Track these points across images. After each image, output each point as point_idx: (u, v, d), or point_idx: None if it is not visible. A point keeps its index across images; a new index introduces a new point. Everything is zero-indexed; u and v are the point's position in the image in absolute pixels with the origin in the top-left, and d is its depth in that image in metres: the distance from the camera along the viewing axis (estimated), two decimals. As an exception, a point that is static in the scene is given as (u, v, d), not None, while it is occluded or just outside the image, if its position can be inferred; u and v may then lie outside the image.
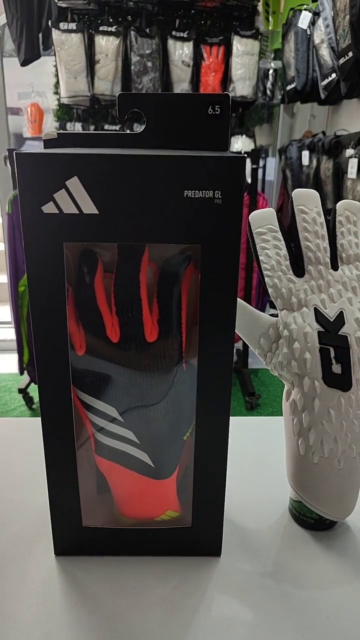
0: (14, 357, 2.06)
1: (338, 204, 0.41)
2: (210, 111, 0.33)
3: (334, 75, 1.82)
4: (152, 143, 0.34)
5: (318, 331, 0.37)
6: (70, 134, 0.34)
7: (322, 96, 1.97)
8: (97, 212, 0.29)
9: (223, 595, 0.36)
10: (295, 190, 0.40)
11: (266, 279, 0.39)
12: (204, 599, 0.35)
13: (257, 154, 2.02)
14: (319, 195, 0.41)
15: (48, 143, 0.34)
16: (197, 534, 0.38)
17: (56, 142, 0.34)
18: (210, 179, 0.29)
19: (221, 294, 0.31)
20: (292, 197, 0.40)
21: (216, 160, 0.29)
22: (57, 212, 0.29)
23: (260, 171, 2.15)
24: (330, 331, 0.37)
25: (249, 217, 0.40)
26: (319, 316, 0.38)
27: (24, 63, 2.44)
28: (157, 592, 0.36)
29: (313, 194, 0.40)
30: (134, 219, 0.30)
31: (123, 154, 0.29)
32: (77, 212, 0.29)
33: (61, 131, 0.34)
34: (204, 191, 0.29)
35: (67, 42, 2.29)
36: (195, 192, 0.29)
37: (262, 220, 0.40)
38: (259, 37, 2.37)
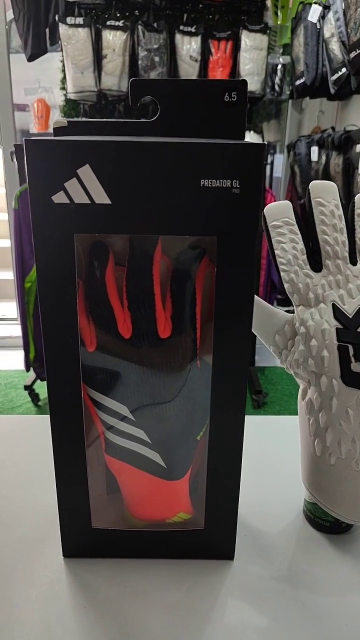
0: (20, 353, 2.05)
1: (357, 197, 0.39)
2: (226, 98, 0.32)
3: (344, 69, 1.80)
4: (165, 131, 0.33)
5: (336, 328, 0.36)
6: (80, 121, 0.33)
7: (332, 91, 1.95)
8: (110, 202, 0.28)
9: (236, 600, 0.35)
10: (312, 182, 0.39)
11: (282, 274, 0.38)
12: (217, 603, 0.34)
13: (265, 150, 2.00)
14: (337, 187, 0.39)
15: (58, 131, 0.33)
16: (210, 536, 0.37)
17: (66, 131, 0.33)
18: (227, 168, 0.28)
19: (238, 289, 0.30)
20: (309, 189, 0.39)
21: (234, 147, 0.27)
22: (68, 202, 0.28)
23: (267, 168, 2.13)
24: (349, 328, 0.36)
25: (264, 210, 0.39)
26: (337, 312, 0.36)
27: (31, 58, 2.43)
28: (168, 597, 0.35)
29: (331, 185, 0.39)
30: (148, 210, 0.29)
31: (137, 141, 0.27)
32: (89, 202, 0.28)
33: (71, 119, 0.32)
34: (221, 180, 0.28)
35: (74, 36, 2.28)
36: (212, 181, 0.28)
37: (278, 213, 0.39)
38: (268, 31, 2.35)
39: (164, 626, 0.33)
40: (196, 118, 0.33)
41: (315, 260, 0.38)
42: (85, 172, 0.27)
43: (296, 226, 0.38)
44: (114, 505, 0.38)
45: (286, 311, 0.39)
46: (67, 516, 0.36)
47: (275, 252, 0.38)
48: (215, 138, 0.32)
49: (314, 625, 0.33)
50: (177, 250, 0.31)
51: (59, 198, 0.28)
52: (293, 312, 0.38)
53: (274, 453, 0.51)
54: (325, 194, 0.38)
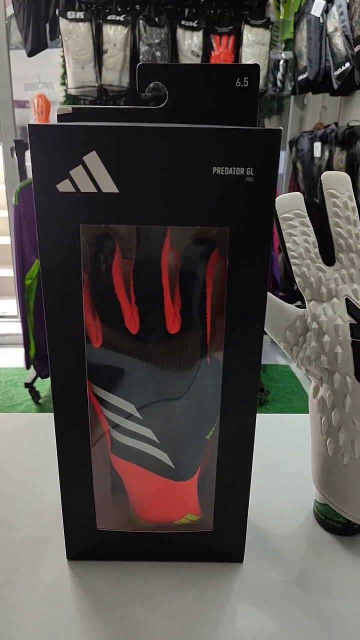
0: (21, 351, 2.04)
1: None
2: (237, 83, 0.31)
3: (347, 64, 1.78)
4: (173, 118, 0.32)
5: (350, 323, 0.35)
6: (85, 108, 0.31)
7: (335, 86, 1.93)
8: (117, 191, 0.27)
9: (246, 604, 0.34)
10: (325, 172, 0.38)
11: (294, 268, 0.37)
12: (226, 608, 0.33)
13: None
14: (350, 179, 0.38)
15: (62, 118, 0.31)
16: (219, 538, 0.36)
17: (71, 118, 0.31)
18: (241, 154, 0.26)
19: (251, 282, 0.29)
20: (321, 180, 0.38)
21: (248, 133, 0.26)
22: (74, 190, 0.27)
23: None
24: (363, 324, 0.35)
25: (275, 202, 0.38)
26: (351, 307, 0.35)
27: (31, 53, 2.41)
28: (175, 601, 0.34)
29: (344, 176, 0.38)
30: (157, 199, 0.27)
31: (146, 126, 0.26)
32: (95, 190, 0.27)
33: (76, 106, 0.31)
34: (234, 168, 0.26)
35: (74, 31, 2.26)
36: (225, 168, 0.26)
37: (289, 205, 0.38)
38: (270, 26, 2.32)
39: (171, 631, 0.32)
40: (206, 104, 0.31)
41: (328, 253, 0.37)
42: (92, 159, 0.26)
43: (307, 218, 0.37)
44: (119, 507, 0.37)
45: (296, 306, 0.38)
46: (71, 518, 0.35)
47: (287, 245, 0.37)
48: (226, 125, 0.31)
49: (326, 630, 0.32)
50: (186, 242, 0.30)
51: (64, 186, 0.27)
52: (303, 307, 0.37)
53: (276, 452, 0.50)
54: (338, 185, 0.37)
